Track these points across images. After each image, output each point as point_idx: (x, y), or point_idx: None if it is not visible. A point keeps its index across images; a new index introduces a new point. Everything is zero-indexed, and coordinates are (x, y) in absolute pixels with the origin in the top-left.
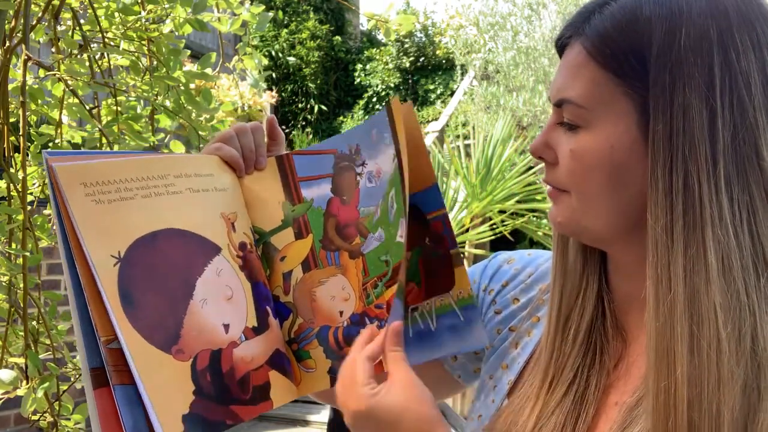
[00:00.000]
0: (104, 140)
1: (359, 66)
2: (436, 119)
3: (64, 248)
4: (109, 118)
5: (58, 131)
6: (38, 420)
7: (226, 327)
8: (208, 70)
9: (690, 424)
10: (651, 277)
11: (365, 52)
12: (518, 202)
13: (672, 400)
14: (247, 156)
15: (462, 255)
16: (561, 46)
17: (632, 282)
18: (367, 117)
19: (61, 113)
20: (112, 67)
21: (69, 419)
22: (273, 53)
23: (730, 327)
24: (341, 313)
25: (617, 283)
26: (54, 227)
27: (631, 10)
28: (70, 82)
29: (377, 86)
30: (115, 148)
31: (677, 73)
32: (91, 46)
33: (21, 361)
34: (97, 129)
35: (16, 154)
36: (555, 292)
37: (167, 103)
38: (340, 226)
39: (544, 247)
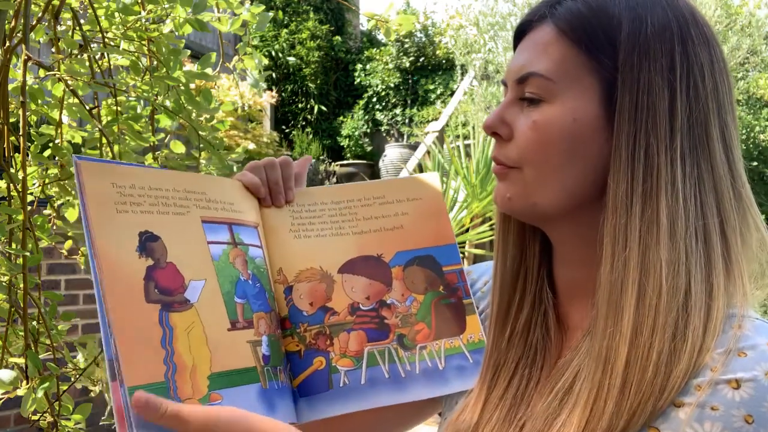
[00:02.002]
0: (104, 140)
1: (359, 66)
2: (436, 119)
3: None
4: (109, 118)
5: (58, 131)
6: (38, 420)
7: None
8: (208, 70)
9: (626, 365)
10: (609, 235)
11: (365, 52)
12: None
13: (615, 344)
14: (272, 188)
15: (462, 255)
16: (523, 31)
17: (576, 269)
18: (366, 117)
19: (61, 113)
20: (112, 67)
21: (69, 419)
22: (273, 53)
23: (671, 280)
24: None
25: (561, 272)
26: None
27: (601, 0)
28: (70, 82)
29: (377, 86)
30: (116, 148)
31: (644, 55)
32: (91, 46)
33: (21, 361)
34: (97, 129)
35: (16, 154)
36: (495, 286)
37: (167, 103)
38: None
39: None
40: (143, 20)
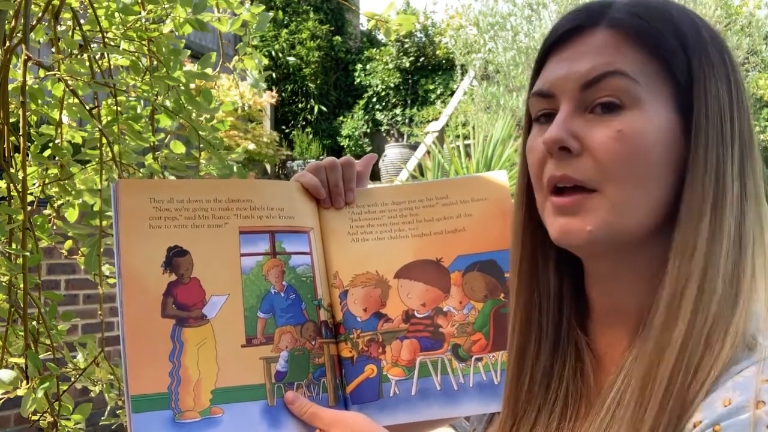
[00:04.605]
0: (104, 140)
1: (359, 66)
2: (436, 119)
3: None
4: (109, 118)
5: (58, 131)
6: (38, 420)
7: None
8: (208, 70)
9: (671, 376)
10: (678, 247)
11: (365, 52)
12: None
13: (663, 355)
14: (332, 190)
15: None
16: (564, 39)
17: (618, 293)
18: (366, 117)
19: (61, 113)
20: (112, 67)
21: (69, 419)
22: (273, 53)
23: (721, 293)
24: None
25: (600, 301)
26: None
27: (656, 4)
28: (70, 82)
29: (377, 86)
30: (116, 148)
31: (708, 63)
32: (91, 46)
33: (21, 361)
34: (97, 129)
35: (16, 154)
36: (511, 330)
37: (167, 103)
38: None
39: None
40: (143, 20)
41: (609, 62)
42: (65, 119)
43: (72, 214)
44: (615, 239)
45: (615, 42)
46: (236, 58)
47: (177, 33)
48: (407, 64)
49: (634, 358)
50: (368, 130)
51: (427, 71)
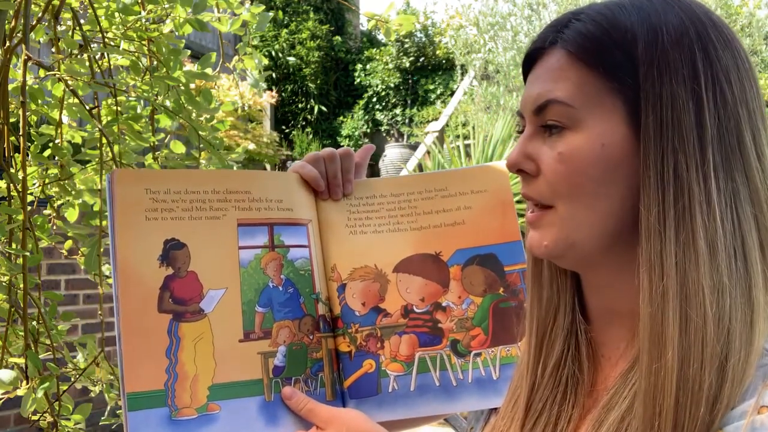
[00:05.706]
0: (104, 140)
1: (359, 66)
2: (436, 119)
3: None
4: (109, 118)
5: (58, 131)
6: (38, 420)
7: None
8: (208, 70)
9: (677, 402)
10: (644, 265)
11: (365, 52)
12: (519, 202)
13: (662, 381)
14: (330, 182)
15: None
16: (532, 58)
17: (610, 298)
18: (366, 117)
19: (61, 113)
20: (112, 67)
21: (69, 419)
22: (273, 53)
23: (715, 308)
24: None
25: (593, 301)
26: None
27: (610, 15)
28: (70, 82)
29: (377, 86)
30: (116, 148)
31: (663, 67)
32: (91, 46)
33: (21, 361)
34: (97, 129)
35: (16, 154)
36: (531, 328)
37: (167, 103)
38: None
39: None
40: (143, 20)
41: (549, 90)
42: (65, 119)
43: (72, 214)
44: (572, 252)
45: (561, 64)
46: (236, 58)
47: (177, 33)
48: (407, 64)
49: (630, 386)
50: (368, 130)
51: (427, 71)
